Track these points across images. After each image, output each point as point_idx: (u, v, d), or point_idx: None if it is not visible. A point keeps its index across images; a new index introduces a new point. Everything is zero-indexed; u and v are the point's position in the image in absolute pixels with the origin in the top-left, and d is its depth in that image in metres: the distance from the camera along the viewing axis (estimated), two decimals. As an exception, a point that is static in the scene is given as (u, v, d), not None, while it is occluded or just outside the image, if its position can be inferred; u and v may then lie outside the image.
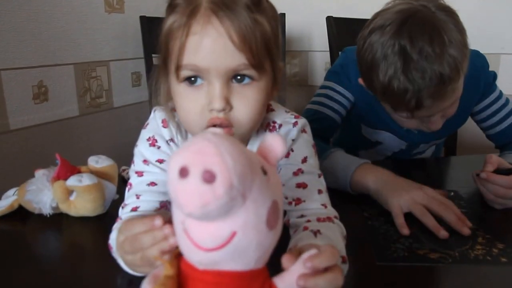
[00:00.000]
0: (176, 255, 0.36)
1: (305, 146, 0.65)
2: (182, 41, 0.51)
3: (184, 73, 0.53)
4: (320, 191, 0.62)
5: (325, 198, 0.62)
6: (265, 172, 0.33)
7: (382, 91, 0.78)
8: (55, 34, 1.27)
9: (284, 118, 0.65)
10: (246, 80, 0.53)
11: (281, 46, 0.60)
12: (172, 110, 0.62)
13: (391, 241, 0.65)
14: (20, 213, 0.76)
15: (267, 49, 0.53)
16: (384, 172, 0.80)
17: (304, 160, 0.63)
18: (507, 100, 1.01)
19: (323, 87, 1.04)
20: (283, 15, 1.52)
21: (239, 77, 0.53)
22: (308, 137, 0.66)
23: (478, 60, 0.98)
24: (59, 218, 0.75)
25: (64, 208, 0.74)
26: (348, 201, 0.81)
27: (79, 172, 0.78)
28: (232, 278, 0.33)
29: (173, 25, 0.53)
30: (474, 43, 1.04)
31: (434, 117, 0.83)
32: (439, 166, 1.13)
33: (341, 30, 1.48)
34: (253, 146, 0.64)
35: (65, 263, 0.64)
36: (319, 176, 0.64)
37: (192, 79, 0.53)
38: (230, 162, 0.29)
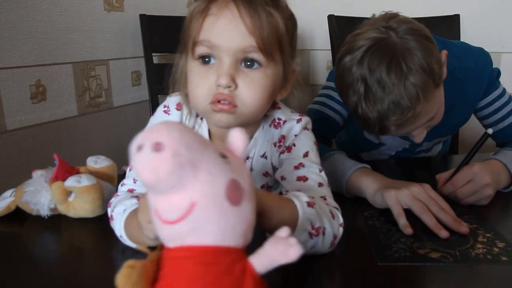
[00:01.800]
0: (161, 247, 0.39)
1: (307, 141, 0.68)
2: (200, 21, 0.57)
3: (199, 49, 0.58)
4: (320, 184, 0.64)
5: (325, 191, 0.64)
6: (223, 156, 0.36)
7: (352, 112, 0.81)
8: (53, 32, 1.26)
9: (289, 115, 0.69)
10: (255, 66, 0.58)
11: (295, 50, 0.65)
12: (187, 96, 0.66)
13: (392, 241, 0.65)
14: (18, 215, 0.75)
15: (278, 42, 0.59)
16: (381, 176, 0.80)
17: (306, 155, 0.67)
18: (510, 98, 1.01)
19: (324, 87, 1.04)
20: (284, 13, 1.51)
21: (248, 63, 0.58)
22: (310, 134, 0.70)
23: (482, 58, 0.98)
24: (57, 220, 0.74)
25: (63, 209, 0.73)
26: (349, 201, 0.81)
27: (77, 172, 0.77)
28: (201, 253, 0.35)
29: (195, 10, 0.59)
30: (475, 42, 1.04)
31: (415, 131, 0.83)
32: (439, 165, 1.13)
33: (343, 28, 1.47)
34: (258, 140, 0.69)
35: (64, 265, 0.63)
36: (320, 171, 0.66)
37: (206, 59, 0.59)
38: (176, 135, 0.33)
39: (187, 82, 0.63)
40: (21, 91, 1.18)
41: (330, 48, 1.52)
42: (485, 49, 0.99)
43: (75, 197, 0.73)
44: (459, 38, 1.55)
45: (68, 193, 0.73)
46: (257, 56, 0.57)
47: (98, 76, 1.45)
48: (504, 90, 1.01)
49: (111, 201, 0.66)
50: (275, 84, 0.62)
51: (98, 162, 0.79)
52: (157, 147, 0.32)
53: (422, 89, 0.72)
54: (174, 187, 0.33)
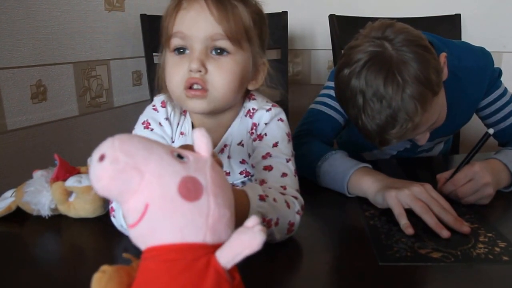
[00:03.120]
0: None
1: (279, 132, 0.71)
2: (173, 16, 0.64)
3: (174, 41, 0.64)
4: (284, 174, 0.66)
5: (288, 181, 0.66)
6: (180, 156, 0.38)
7: (354, 125, 0.81)
8: (54, 32, 1.26)
9: (262, 105, 0.73)
10: (224, 53, 0.63)
11: (266, 43, 0.71)
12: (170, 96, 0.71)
13: (393, 241, 0.65)
14: (18, 215, 0.75)
15: (246, 32, 0.64)
16: (382, 175, 0.80)
17: (275, 145, 0.69)
18: None
19: (326, 87, 1.04)
20: (286, 13, 1.51)
21: (218, 50, 0.63)
22: (284, 126, 0.72)
23: (483, 57, 0.97)
24: (58, 220, 0.74)
25: (63, 209, 0.73)
26: (350, 201, 0.81)
27: (78, 172, 0.77)
28: (162, 252, 0.36)
29: (169, 7, 0.65)
30: (476, 41, 1.03)
31: (418, 136, 0.83)
32: (441, 165, 1.12)
33: (344, 28, 1.47)
34: (235, 129, 0.72)
35: (64, 265, 0.63)
36: (287, 161, 0.69)
37: (181, 50, 0.64)
38: (117, 144, 0.36)
39: (165, 74, 0.67)
40: (21, 91, 1.18)
41: (331, 48, 1.52)
42: (486, 48, 0.99)
43: (75, 197, 0.73)
44: (460, 38, 1.55)
45: (68, 193, 0.73)
46: (225, 43, 0.63)
47: (99, 76, 1.45)
48: (505, 90, 1.00)
49: None
50: (245, 71, 0.66)
51: (98, 162, 0.79)
52: (101, 158, 0.36)
53: (420, 101, 0.72)
54: (125, 192, 0.36)
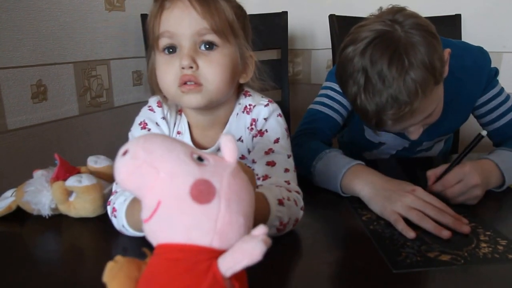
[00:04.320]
0: None
1: (279, 128, 0.73)
2: (158, 16, 0.65)
3: (162, 41, 0.65)
4: (286, 170, 0.69)
5: (290, 176, 0.69)
6: (200, 159, 0.39)
7: (351, 103, 0.82)
8: (54, 32, 1.26)
9: (258, 101, 0.74)
10: (212, 48, 0.65)
11: (249, 36, 0.72)
12: (165, 97, 0.72)
13: (399, 245, 0.64)
14: (19, 215, 0.75)
15: (230, 26, 0.66)
16: (372, 175, 0.79)
17: (277, 141, 0.72)
18: (508, 97, 1.00)
19: (324, 87, 1.05)
20: (286, 13, 1.51)
21: (207, 46, 0.64)
22: (282, 121, 0.75)
23: (481, 56, 0.98)
24: (58, 219, 0.74)
25: (64, 209, 0.73)
26: (345, 207, 0.79)
27: (78, 172, 0.77)
28: (167, 249, 0.37)
29: (153, 10, 0.66)
30: (476, 41, 1.03)
31: (412, 128, 0.83)
32: (440, 164, 1.12)
33: (344, 28, 1.47)
34: (232, 125, 0.74)
35: (65, 265, 0.63)
36: (288, 157, 0.71)
37: (171, 50, 0.65)
38: (140, 141, 0.38)
39: (157, 74, 0.68)
40: (22, 91, 1.18)
41: (331, 48, 1.52)
42: (486, 48, 0.99)
43: (76, 197, 0.73)
44: (460, 38, 1.55)
45: (69, 192, 0.73)
46: (212, 37, 0.64)
47: (99, 75, 1.45)
48: (501, 89, 1.00)
49: (110, 199, 0.67)
50: (234, 64, 0.67)
51: (98, 162, 0.79)
52: (124, 152, 0.38)
53: (422, 85, 0.72)
54: (142, 188, 0.37)
